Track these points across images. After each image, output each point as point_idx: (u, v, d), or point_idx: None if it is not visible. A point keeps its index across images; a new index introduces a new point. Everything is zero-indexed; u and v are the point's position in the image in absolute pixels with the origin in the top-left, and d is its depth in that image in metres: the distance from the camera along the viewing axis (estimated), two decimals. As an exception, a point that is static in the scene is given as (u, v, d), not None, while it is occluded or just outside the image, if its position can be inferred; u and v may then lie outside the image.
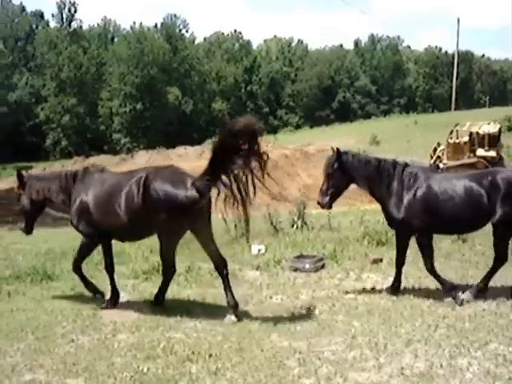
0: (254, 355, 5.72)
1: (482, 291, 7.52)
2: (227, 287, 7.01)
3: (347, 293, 7.88)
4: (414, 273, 8.84)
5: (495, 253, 7.58)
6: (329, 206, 7.79)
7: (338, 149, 7.69)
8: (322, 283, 8.42)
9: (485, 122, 37.25)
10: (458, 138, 35.77)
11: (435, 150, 36.91)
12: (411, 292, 7.85)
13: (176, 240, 6.98)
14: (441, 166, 34.65)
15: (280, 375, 5.26)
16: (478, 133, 34.77)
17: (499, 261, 7.58)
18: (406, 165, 7.68)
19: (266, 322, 6.75)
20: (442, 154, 35.48)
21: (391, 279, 7.99)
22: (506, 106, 79.27)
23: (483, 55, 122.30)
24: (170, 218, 6.63)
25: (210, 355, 5.74)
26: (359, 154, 8.18)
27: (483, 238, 11.06)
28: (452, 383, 5.07)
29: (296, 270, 9.25)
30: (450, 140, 35.90)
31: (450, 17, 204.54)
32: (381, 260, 9.71)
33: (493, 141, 34.45)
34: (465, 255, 10.01)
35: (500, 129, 35.56)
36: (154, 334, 6.48)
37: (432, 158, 36.26)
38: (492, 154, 33.87)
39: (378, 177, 7.59)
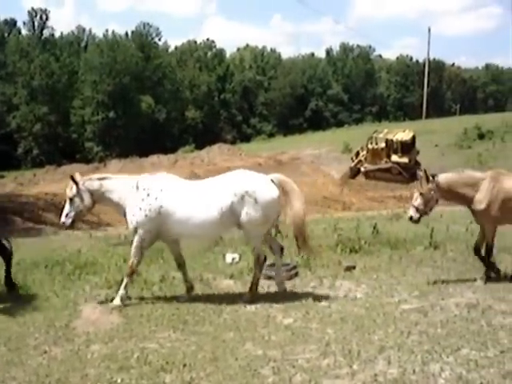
0: (229, 364, 5.72)
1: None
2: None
3: (321, 300, 7.90)
4: (387, 280, 8.93)
5: None
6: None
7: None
8: (295, 291, 8.45)
9: (400, 130, 39.55)
10: (376, 144, 37.69)
11: (358, 153, 38.80)
12: (384, 299, 7.92)
13: None
14: (362, 169, 37.62)
15: (255, 384, 5.26)
16: (392, 140, 36.79)
17: None
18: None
19: (240, 331, 6.74)
20: (365, 159, 37.49)
21: (365, 286, 8.06)
22: (476, 113, 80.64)
23: (453, 64, 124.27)
24: None
25: (184, 365, 5.72)
26: None
27: (455, 245, 11.26)
28: (425, 389, 5.13)
29: (270, 278, 9.23)
30: (369, 146, 37.81)
31: (421, 26, 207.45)
32: (354, 267, 9.79)
33: (405, 148, 36.77)
34: (436, 262, 10.13)
35: (413, 137, 37.73)
36: (128, 344, 6.43)
37: (353, 161, 38.41)
38: (405, 160, 36.44)
39: None
